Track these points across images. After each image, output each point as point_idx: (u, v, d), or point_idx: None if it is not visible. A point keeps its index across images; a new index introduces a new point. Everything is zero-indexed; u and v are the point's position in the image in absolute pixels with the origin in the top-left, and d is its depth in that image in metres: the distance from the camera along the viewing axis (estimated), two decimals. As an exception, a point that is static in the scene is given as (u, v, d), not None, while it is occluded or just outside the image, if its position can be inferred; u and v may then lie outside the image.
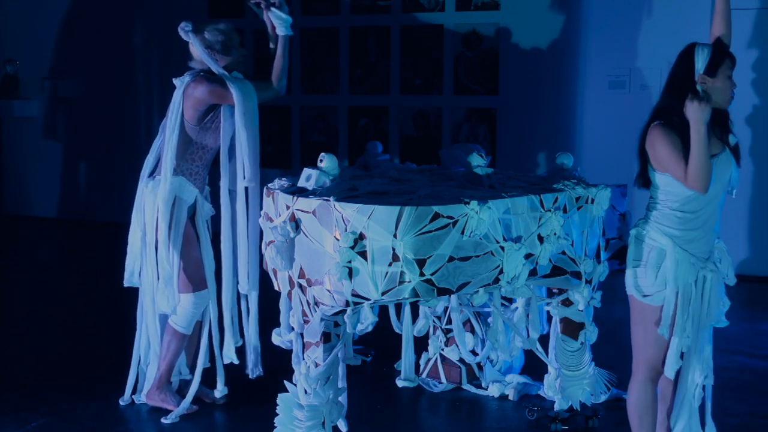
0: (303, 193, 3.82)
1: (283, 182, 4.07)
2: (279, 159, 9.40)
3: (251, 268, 4.51)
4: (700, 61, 3.55)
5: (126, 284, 4.69)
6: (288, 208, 3.79)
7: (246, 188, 4.44)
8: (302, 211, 3.73)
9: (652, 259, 3.57)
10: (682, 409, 3.72)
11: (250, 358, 4.65)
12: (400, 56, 8.83)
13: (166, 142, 4.44)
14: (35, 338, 5.96)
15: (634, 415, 3.72)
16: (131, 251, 4.64)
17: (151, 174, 4.59)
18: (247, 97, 4.34)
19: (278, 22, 4.49)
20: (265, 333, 4.44)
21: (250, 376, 4.67)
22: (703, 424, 3.84)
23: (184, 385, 4.71)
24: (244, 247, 4.49)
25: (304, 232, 3.72)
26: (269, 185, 4.07)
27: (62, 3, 10.16)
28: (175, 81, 4.48)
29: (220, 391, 4.71)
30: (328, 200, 3.63)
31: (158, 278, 4.48)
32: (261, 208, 4.15)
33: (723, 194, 3.63)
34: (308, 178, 3.90)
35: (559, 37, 8.18)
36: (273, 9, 4.44)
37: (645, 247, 3.60)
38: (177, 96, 4.43)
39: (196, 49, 4.44)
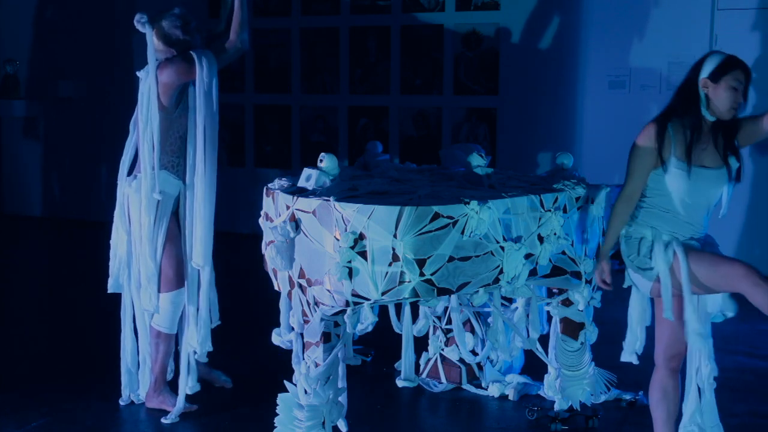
0: (303, 193, 3.82)
1: (283, 182, 4.07)
2: (279, 159, 9.40)
3: (205, 243, 4.39)
4: (708, 67, 3.58)
5: (111, 290, 4.62)
6: (288, 208, 3.79)
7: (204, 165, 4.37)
8: (302, 211, 3.73)
9: (641, 247, 3.68)
10: (689, 398, 3.80)
11: (200, 332, 4.49)
12: (400, 56, 8.83)
13: (141, 136, 4.33)
14: (35, 338, 5.96)
15: (654, 407, 3.82)
16: (116, 255, 4.56)
17: (130, 173, 4.50)
18: (210, 69, 4.28)
19: None
20: (265, 333, 4.43)
21: (198, 352, 4.51)
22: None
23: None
24: (201, 224, 4.37)
25: (304, 232, 3.72)
26: (269, 185, 4.07)
27: (62, 3, 10.16)
28: (139, 73, 4.41)
29: (191, 387, 4.60)
30: (328, 200, 3.63)
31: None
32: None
33: (710, 207, 3.69)
34: (308, 178, 3.90)
35: (559, 37, 8.18)
36: None
37: (632, 241, 3.72)
38: (144, 88, 4.34)
39: (152, 42, 4.35)
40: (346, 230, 3.55)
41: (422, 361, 5.03)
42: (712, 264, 3.54)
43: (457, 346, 4.72)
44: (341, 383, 4.04)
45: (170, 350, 4.59)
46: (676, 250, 3.58)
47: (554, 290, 4.45)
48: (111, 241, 4.60)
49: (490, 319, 4.58)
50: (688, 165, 3.56)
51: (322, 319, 3.82)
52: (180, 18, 4.38)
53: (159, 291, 4.45)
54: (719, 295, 3.71)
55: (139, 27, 4.36)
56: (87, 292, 7.22)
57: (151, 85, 4.32)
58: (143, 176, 4.36)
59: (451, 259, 3.59)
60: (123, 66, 9.98)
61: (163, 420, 4.47)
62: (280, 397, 3.97)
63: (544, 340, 4.60)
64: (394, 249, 3.51)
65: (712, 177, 3.61)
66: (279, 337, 4.24)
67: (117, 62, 9.98)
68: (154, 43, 4.36)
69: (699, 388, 3.78)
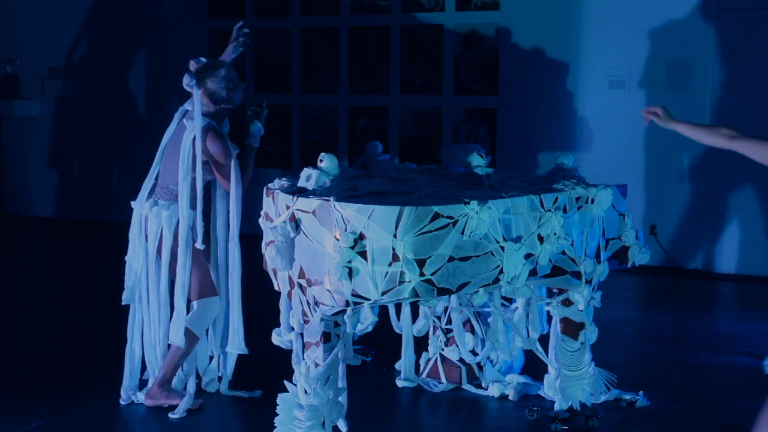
0: (303, 193, 3.82)
1: (283, 182, 4.07)
2: (279, 159, 9.40)
3: (240, 329, 4.70)
4: None
5: (125, 302, 4.72)
6: (288, 208, 3.79)
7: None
8: (302, 211, 3.73)
9: None
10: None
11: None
12: (400, 56, 8.83)
13: (181, 180, 4.51)
14: (35, 338, 5.96)
15: None
16: (131, 269, 4.68)
17: (149, 196, 4.64)
18: (239, 181, 4.56)
19: (254, 130, 4.68)
20: (265, 333, 4.43)
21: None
22: None
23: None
24: (236, 311, 4.68)
25: (304, 232, 3.72)
26: (269, 185, 4.08)
27: (62, 3, 10.16)
28: (186, 122, 4.55)
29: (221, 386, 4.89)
30: (328, 200, 3.63)
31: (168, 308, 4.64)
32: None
33: None
34: (308, 178, 3.90)
35: (559, 37, 8.18)
36: (256, 120, 4.70)
37: None
38: (192, 142, 4.49)
39: (199, 100, 4.51)
40: (346, 230, 3.55)
41: (422, 361, 5.04)
42: None
43: (457, 346, 4.72)
44: (341, 383, 4.04)
45: (190, 353, 4.67)
46: None
47: (554, 290, 4.45)
48: (127, 257, 4.68)
49: (490, 319, 4.58)
50: None
51: (322, 319, 3.82)
52: (225, 79, 4.60)
53: (191, 299, 4.62)
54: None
55: (188, 89, 4.53)
56: (87, 292, 7.22)
57: (196, 140, 4.51)
58: (181, 215, 4.52)
59: (451, 259, 3.59)
60: (123, 66, 9.98)
61: (170, 415, 4.51)
62: (280, 397, 3.97)
63: (544, 340, 4.60)
64: (394, 249, 3.51)
65: None
66: (279, 337, 4.24)
67: (117, 62, 9.98)
68: (201, 100, 4.54)
69: None
